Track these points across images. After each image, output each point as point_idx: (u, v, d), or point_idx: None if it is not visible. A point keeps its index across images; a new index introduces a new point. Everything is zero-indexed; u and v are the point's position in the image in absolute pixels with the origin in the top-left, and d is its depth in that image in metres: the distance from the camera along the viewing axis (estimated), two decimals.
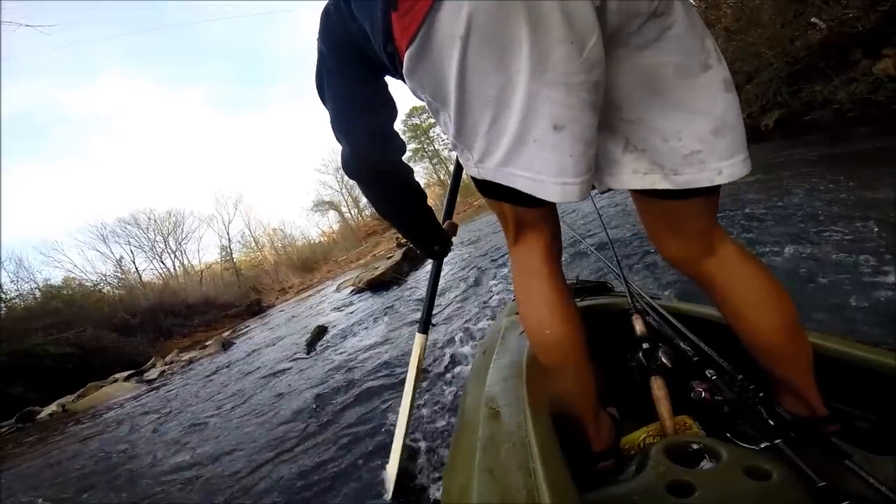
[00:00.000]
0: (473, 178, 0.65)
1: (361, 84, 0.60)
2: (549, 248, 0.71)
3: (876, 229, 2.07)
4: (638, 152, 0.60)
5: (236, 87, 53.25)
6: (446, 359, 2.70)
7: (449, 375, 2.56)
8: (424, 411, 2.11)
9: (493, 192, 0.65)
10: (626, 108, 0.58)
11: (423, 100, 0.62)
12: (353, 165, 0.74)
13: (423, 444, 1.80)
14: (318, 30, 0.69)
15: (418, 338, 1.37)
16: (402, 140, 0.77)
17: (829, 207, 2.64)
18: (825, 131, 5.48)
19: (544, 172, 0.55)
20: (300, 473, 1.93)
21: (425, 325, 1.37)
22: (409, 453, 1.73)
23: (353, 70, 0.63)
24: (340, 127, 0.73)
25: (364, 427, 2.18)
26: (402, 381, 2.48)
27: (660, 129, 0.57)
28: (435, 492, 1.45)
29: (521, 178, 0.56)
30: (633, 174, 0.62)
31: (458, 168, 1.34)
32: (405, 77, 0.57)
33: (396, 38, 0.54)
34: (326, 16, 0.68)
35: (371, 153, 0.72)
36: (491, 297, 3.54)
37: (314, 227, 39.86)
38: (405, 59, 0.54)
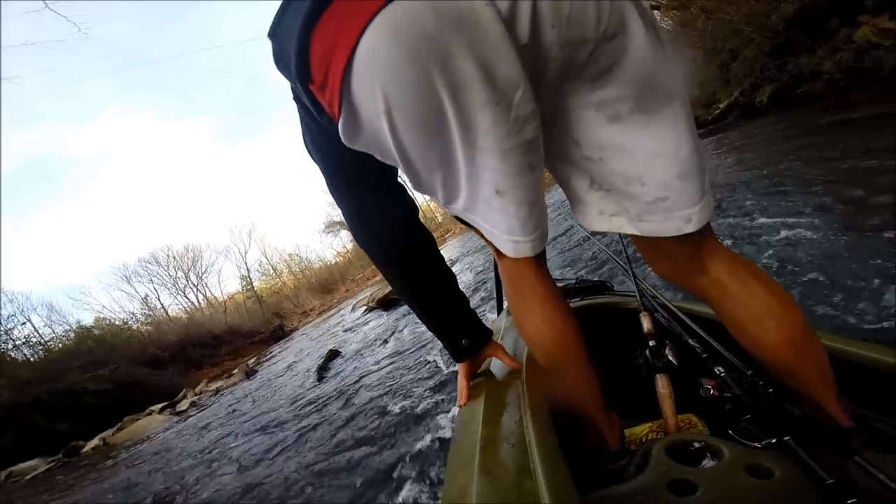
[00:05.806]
0: None
1: None
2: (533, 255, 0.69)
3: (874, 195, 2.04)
4: (603, 191, 0.57)
5: (234, 115, 53.72)
6: (447, 357, 2.85)
7: (449, 371, 2.70)
8: (423, 410, 2.23)
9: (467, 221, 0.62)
10: (585, 146, 0.54)
11: None
12: (367, 235, 0.67)
13: (422, 444, 1.89)
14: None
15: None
16: (410, 197, 0.68)
17: (827, 176, 2.58)
18: (820, 102, 5.36)
19: (497, 228, 0.54)
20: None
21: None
22: (408, 453, 1.88)
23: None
24: (339, 192, 0.66)
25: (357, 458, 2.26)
26: (398, 407, 2.70)
27: (621, 172, 0.53)
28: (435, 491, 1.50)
29: (483, 227, 0.56)
30: (598, 215, 0.59)
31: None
32: (346, 145, 0.51)
33: (326, 110, 0.49)
34: None
35: (384, 211, 0.65)
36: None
37: (328, 249, 39.72)
38: (339, 130, 0.49)
